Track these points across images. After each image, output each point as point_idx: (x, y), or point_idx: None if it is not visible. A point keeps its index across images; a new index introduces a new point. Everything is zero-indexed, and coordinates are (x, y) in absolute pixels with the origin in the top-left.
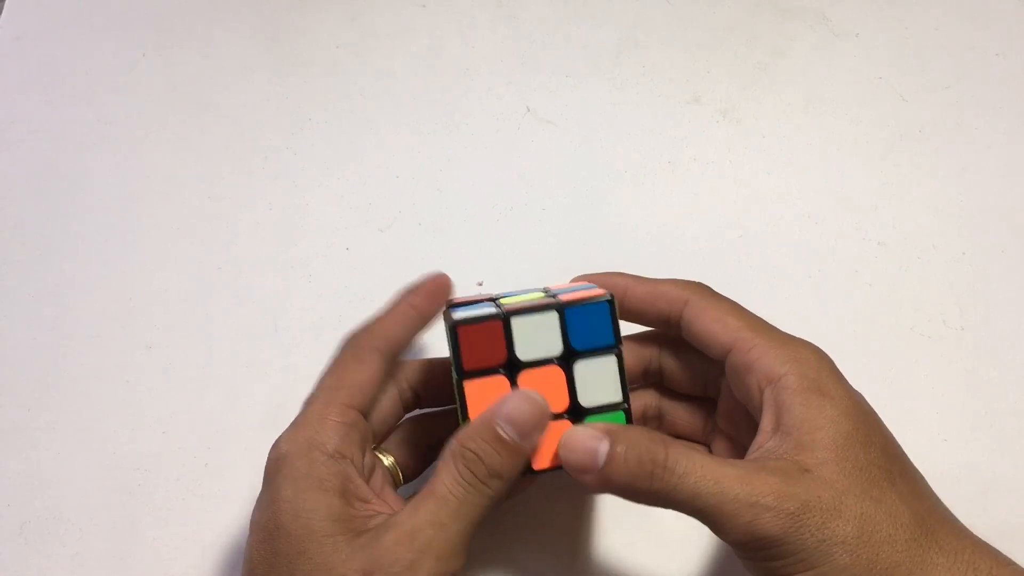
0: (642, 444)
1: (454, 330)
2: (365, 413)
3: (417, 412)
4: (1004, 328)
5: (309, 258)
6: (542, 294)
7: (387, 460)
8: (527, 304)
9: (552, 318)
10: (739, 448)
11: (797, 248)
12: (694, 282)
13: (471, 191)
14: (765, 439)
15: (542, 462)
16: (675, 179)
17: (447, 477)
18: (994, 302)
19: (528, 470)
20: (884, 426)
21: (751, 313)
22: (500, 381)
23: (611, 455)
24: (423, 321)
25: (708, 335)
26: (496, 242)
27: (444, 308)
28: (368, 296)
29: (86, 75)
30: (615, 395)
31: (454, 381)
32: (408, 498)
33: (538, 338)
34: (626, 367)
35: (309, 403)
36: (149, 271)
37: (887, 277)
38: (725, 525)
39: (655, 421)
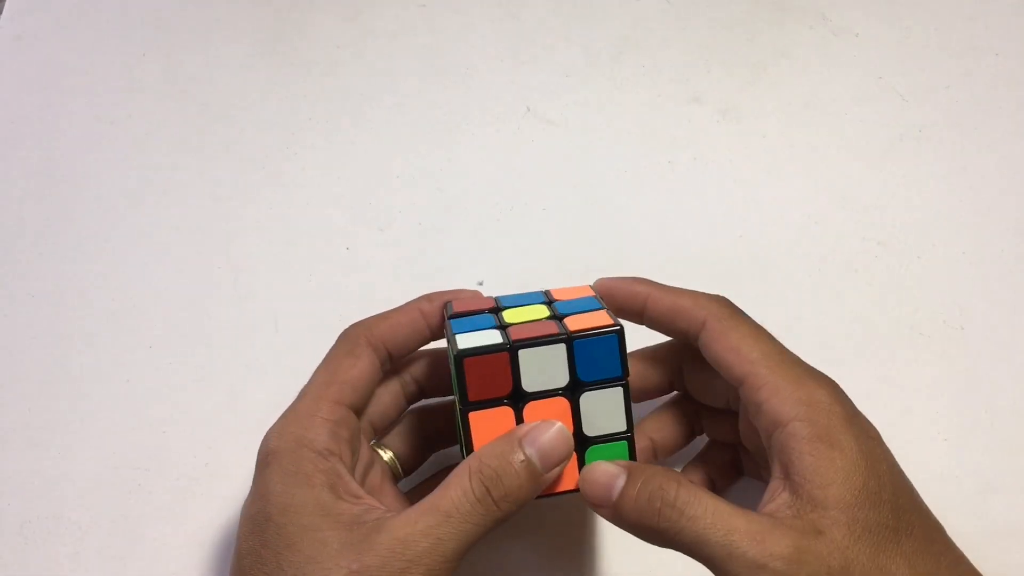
0: (655, 481)
1: (460, 361)
2: (357, 409)
3: (419, 404)
4: (1004, 328)
5: (309, 258)
6: (544, 305)
7: (386, 455)
8: (534, 334)
9: (559, 350)
10: (764, 463)
11: (797, 248)
12: (715, 298)
13: (471, 191)
14: (777, 489)
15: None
16: (675, 179)
17: (456, 491)
18: (994, 302)
19: None
20: (895, 474)
21: (770, 341)
22: (505, 412)
23: (624, 490)
24: (430, 331)
25: (722, 364)
26: (496, 242)
27: (443, 312)
28: (368, 296)
29: (86, 75)
30: (620, 425)
31: (457, 411)
32: (407, 493)
33: (545, 370)
34: (649, 383)
35: (300, 397)
36: (149, 271)
37: (887, 277)
38: None
39: (695, 426)
